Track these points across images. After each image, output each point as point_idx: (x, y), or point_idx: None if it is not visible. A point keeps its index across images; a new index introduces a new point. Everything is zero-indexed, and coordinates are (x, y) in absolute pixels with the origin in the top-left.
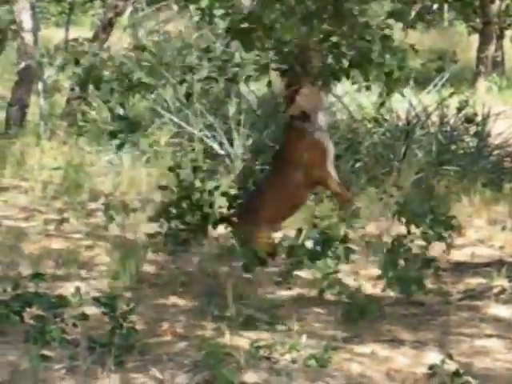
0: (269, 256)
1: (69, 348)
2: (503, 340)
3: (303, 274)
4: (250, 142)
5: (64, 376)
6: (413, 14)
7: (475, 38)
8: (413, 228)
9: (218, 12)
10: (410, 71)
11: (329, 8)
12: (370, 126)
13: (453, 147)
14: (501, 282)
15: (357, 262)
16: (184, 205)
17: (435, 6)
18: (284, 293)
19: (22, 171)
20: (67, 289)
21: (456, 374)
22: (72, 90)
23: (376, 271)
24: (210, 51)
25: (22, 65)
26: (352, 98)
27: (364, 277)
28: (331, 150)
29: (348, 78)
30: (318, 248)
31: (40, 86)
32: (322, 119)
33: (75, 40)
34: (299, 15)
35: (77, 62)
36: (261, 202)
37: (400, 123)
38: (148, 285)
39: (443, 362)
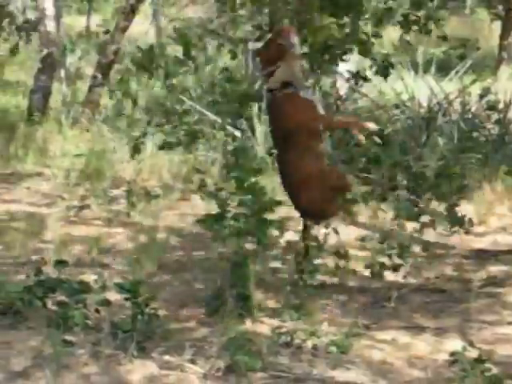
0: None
1: (91, 334)
2: None
3: (324, 261)
4: None
5: (86, 361)
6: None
7: (497, 25)
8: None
9: None
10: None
11: None
12: (391, 113)
13: (475, 134)
14: None
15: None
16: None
17: None
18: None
19: (45, 158)
20: (90, 275)
21: (477, 360)
22: (94, 77)
23: (396, 258)
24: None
25: (45, 52)
26: (373, 85)
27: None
28: (318, 101)
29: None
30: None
31: (62, 73)
32: (302, 85)
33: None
34: None
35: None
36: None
37: (422, 110)
38: (170, 271)
39: (464, 348)
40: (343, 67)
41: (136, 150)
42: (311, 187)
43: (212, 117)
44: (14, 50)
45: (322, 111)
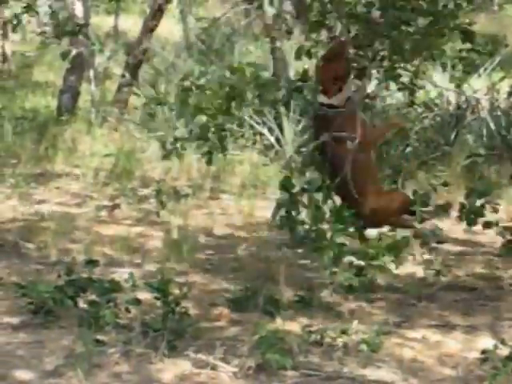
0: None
1: (122, 332)
2: None
3: (353, 258)
4: (299, 127)
5: (118, 360)
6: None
7: None
8: None
9: None
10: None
11: None
12: (420, 110)
13: (503, 132)
14: None
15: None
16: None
17: None
18: (334, 277)
19: (74, 158)
20: (120, 274)
21: (509, 358)
22: (123, 76)
23: (426, 256)
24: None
25: (74, 52)
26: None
27: (416, 261)
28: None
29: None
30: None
31: (91, 73)
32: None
33: None
34: None
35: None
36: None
37: (450, 108)
38: (200, 270)
39: (496, 346)
40: None
41: (169, 154)
42: (378, 210)
43: (239, 115)
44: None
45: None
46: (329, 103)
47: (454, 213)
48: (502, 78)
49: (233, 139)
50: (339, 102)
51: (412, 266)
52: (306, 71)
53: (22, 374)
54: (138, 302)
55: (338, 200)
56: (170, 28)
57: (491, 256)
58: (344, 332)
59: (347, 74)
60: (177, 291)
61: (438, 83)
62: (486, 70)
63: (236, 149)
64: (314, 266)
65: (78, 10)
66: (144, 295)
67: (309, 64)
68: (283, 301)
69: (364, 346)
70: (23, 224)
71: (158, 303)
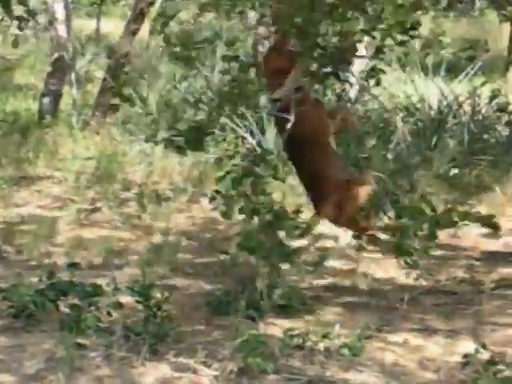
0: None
1: (104, 336)
2: None
3: (335, 263)
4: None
5: (99, 364)
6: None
7: (507, 27)
8: None
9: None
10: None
11: None
12: (401, 115)
13: (485, 136)
14: None
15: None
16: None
17: None
18: (316, 282)
19: (56, 161)
20: (102, 278)
21: (490, 362)
22: (104, 80)
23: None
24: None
25: (55, 55)
26: (383, 87)
27: (395, 265)
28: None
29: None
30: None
31: (73, 76)
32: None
33: None
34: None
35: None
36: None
37: (432, 112)
38: (182, 273)
39: (477, 351)
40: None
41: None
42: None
43: (221, 119)
44: (15, 42)
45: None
46: (277, 96)
47: None
48: (484, 83)
49: (214, 143)
50: (283, 92)
51: (393, 270)
52: None
53: (2, 378)
54: (119, 305)
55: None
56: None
57: (472, 260)
58: (325, 336)
59: (291, 67)
60: (158, 295)
61: (419, 88)
62: (467, 74)
63: (217, 152)
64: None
65: (59, 13)
66: (126, 299)
67: None
68: (265, 305)
69: (346, 350)
70: (4, 227)
71: (140, 307)
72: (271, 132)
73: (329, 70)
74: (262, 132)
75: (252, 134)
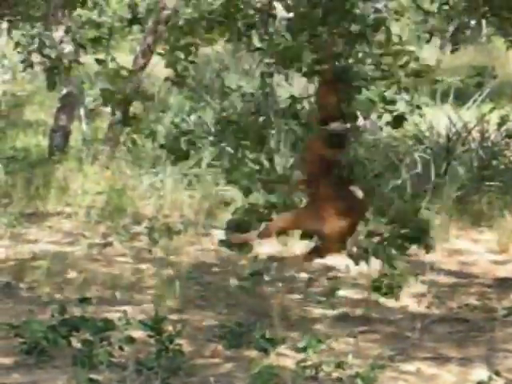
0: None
1: (116, 371)
2: None
3: (346, 293)
4: (290, 162)
5: None
6: (450, 30)
7: None
8: None
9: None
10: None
11: None
12: (410, 143)
13: (494, 163)
14: None
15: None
16: None
17: (473, 22)
18: (328, 312)
19: (66, 196)
20: (113, 312)
21: None
22: (113, 114)
23: (419, 288)
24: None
25: (64, 91)
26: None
27: (407, 294)
28: None
29: None
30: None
31: (82, 111)
32: None
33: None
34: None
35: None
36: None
37: (440, 140)
38: (194, 306)
39: (490, 378)
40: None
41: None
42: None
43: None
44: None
45: None
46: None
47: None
48: (492, 110)
49: (224, 175)
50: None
51: (405, 299)
52: (295, 98)
53: None
54: (131, 340)
55: None
56: (160, 64)
57: (484, 287)
58: (339, 366)
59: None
60: (170, 328)
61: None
62: (475, 101)
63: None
64: (307, 299)
65: (68, 48)
66: (137, 333)
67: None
68: (277, 336)
69: (359, 380)
70: (15, 263)
71: (152, 341)
72: (280, 162)
73: None
74: (271, 164)
75: (262, 165)
